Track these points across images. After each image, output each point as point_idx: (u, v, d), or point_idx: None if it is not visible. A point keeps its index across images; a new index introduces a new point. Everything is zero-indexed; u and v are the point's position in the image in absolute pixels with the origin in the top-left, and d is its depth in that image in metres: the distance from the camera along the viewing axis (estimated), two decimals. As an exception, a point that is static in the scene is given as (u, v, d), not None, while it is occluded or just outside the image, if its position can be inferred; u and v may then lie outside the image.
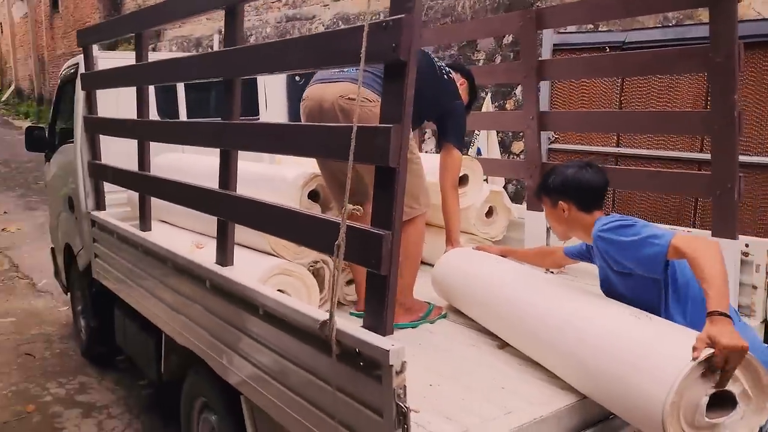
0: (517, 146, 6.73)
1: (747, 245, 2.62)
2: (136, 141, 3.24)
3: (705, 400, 1.65)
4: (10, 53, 24.35)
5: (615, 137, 5.15)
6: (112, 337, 4.08)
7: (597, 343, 1.91)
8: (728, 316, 1.69)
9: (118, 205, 3.97)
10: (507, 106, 6.78)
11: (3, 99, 23.09)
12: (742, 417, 1.70)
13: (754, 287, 2.61)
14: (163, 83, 3.16)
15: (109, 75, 3.54)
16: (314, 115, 2.63)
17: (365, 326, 1.72)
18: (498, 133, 5.84)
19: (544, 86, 5.53)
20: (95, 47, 3.86)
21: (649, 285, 2.08)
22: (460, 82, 3.11)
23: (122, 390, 4.25)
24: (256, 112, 4.60)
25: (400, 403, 1.54)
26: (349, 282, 3.05)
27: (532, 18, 3.19)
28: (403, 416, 1.54)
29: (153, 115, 3.94)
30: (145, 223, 3.27)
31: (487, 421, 1.88)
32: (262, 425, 2.30)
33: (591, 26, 6.10)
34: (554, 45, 5.45)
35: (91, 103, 3.85)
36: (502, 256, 2.83)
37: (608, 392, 1.87)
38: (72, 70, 4.33)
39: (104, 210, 3.91)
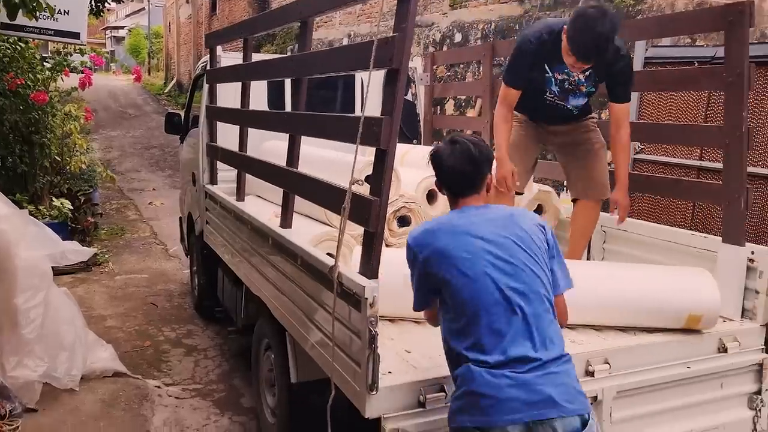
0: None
1: (753, 252, 2.79)
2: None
3: None
4: (174, 50, 27.21)
5: (698, 150, 5.20)
6: (215, 292, 4.87)
7: None
8: None
9: (230, 181, 4.72)
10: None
11: (166, 91, 25.86)
12: None
13: (757, 292, 2.78)
14: (255, 80, 3.82)
15: (225, 72, 4.30)
16: None
17: (359, 272, 2.21)
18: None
19: (634, 97, 5.66)
20: (219, 48, 4.64)
21: None
22: None
23: (220, 338, 5.03)
24: (353, 110, 5.16)
25: (371, 329, 2.02)
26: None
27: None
28: (372, 339, 2.02)
29: (264, 105, 4.66)
30: (240, 194, 3.97)
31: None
32: (300, 357, 2.86)
33: (688, 40, 6.11)
34: (646, 58, 5.57)
35: (212, 94, 4.63)
36: None
37: None
38: (203, 66, 5.17)
39: (216, 184, 4.67)
